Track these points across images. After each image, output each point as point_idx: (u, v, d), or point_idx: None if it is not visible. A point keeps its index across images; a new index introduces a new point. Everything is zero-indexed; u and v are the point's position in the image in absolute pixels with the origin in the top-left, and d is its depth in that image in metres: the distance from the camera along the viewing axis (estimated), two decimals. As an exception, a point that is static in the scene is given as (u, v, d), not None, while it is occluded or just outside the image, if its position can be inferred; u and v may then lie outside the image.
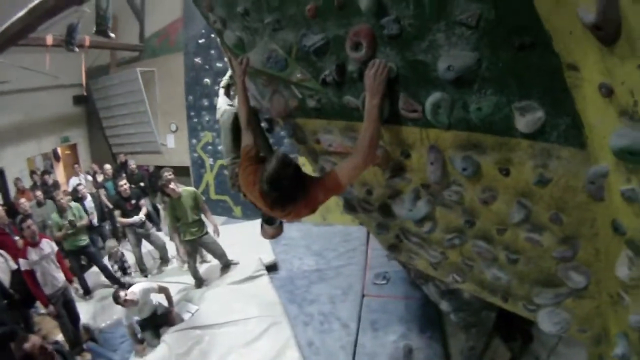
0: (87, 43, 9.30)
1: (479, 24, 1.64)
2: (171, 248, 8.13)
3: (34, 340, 3.53)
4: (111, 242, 7.80)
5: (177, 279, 7.41)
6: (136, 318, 5.84)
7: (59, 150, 13.39)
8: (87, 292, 7.41)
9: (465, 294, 3.72)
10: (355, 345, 5.48)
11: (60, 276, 5.99)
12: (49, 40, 8.78)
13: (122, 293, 5.49)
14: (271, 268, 7.57)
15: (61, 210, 7.29)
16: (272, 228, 3.47)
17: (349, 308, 6.21)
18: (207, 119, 10.81)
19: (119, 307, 6.19)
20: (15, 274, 6.14)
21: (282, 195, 2.32)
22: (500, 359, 4.43)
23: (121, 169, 10.78)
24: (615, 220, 1.65)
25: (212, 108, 10.51)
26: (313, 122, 2.98)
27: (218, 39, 3.57)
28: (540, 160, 1.83)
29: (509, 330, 4.56)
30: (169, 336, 5.77)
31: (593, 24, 1.23)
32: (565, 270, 2.15)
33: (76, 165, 11.33)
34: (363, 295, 6.50)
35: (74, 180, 10.51)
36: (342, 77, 2.39)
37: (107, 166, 10.34)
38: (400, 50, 2.00)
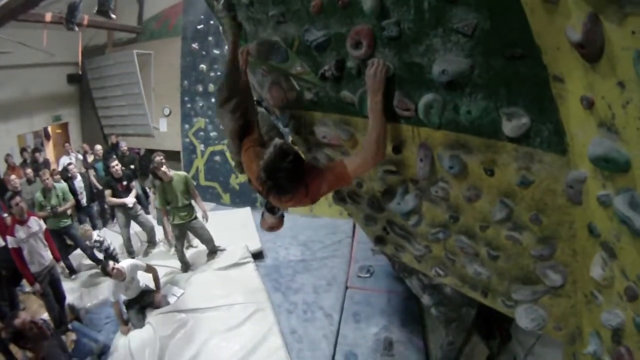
0: (85, 22, 9.25)
1: (475, 33, 1.73)
2: (159, 232, 8.18)
3: (23, 316, 3.53)
4: (86, 226, 7.66)
5: (163, 263, 7.43)
6: (123, 297, 5.89)
7: (50, 129, 13.30)
8: (73, 271, 7.42)
9: (446, 289, 3.82)
10: (337, 335, 5.59)
11: (48, 254, 6.00)
12: (48, 17, 8.73)
13: (111, 263, 5.55)
14: (257, 256, 7.65)
15: (45, 190, 7.29)
16: (273, 218, 3.43)
17: (333, 299, 6.32)
18: (200, 104, 10.82)
19: (105, 287, 6.24)
20: (2, 251, 6.09)
21: (278, 185, 2.29)
22: (478, 356, 4.52)
23: (112, 150, 10.71)
24: (591, 223, 1.75)
25: (207, 94, 10.59)
26: (309, 113, 3.06)
27: (221, 28, 3.63)
28: (524, 163, 1.93)
29: (488, 328, 4.68)
30: (154, 318, 5.83)
31: (578, 43, 1.33)
32: (543, 269, 2.25)
33: (67, 144, 11.22)
34: (347, 287, 6.61)
35: (64, 159, 10.44)
36: (341, 72, 2.48)
37: (98, 147, 10.28)
38: (398, 51, 2.08)
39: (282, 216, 3.46)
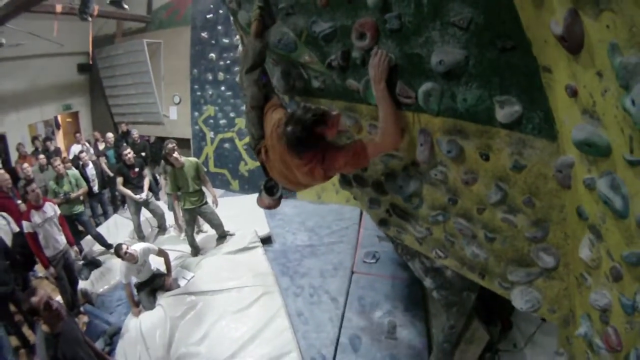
0: (95, 12, 9.35)
1: (470, 27, 1.84)
2: (169, 217, 8.35)
3: (41, 294, 3.60)
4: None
5: (174, 247, 7.56)
6: (134, 279, 6.04)
7: (59, 118, 13.44)
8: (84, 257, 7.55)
9: (448, 273, 3.90)
10: (342, 319, 5.71)
11: (62, 239, 6.13)
12: (59, 8, 8.86)
13: (124, 246, 5.67)
14: (266, 241, 7.77)
15: (58, 177, 7.41)
16: (271, 199, 3.42)
17: (338, 283, 6.45)
18: (210, 92, 10.93)
19: (116, 272, 6.39)
20: (17, 236, 6.26)
21: (297, 140, 2.32)
22: (478, 341, 4.60)
23: (122, 138, 10.88)
24: (580, 206, 1.83)
25: (216, 82, 10.70)
26: (316, 100, 3.17)
27: (232, 18, 3.73)
28: (516, 149, 2.02)
29: (489, 315, 4.78)
30: (165, 300, 5.98)
31: (561, 36, 1.43)
32: (537, 251, 2.34)
33: (78, 134, 11.32)
34: (352, 272, 6.72)
35: (75, 148, 10.58)
36: (346, 62, 2.59)
37: (110, 135, 10.41)
38: (400, 43, 2.19)
39: (280, 197, 3.47)
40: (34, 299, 3.50)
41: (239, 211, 8.67)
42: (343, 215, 8.71)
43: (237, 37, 5.98)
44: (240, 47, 4.55)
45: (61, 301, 5.94)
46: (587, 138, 1.53)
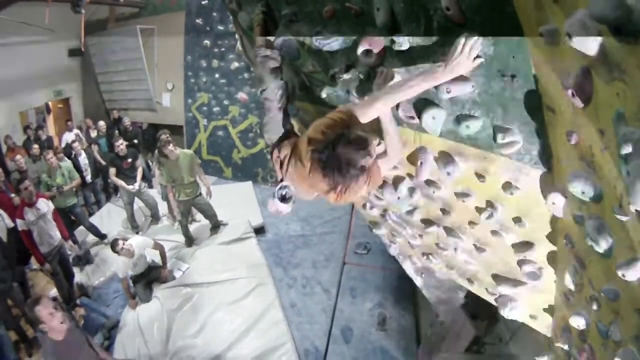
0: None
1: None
2: (162, 206, 8.37)
3: (45, 303, 3.55)
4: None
5: (167, 237, 7.62)
6: (130, 273, 6.08)
7: (50, 104, 13.20)
8: (78, 246, 7.54)
9: (438, 273, 4.03)
10: (334, 309, 5.87)
11: (56, 234, 6.14)
12: (50, -2, 8.76)
13: (120, 241, 5.70)
14: (259, 231, 7.87)
15: (51, 170, 7.36)
16: (282, 205, 3.16)
17: (330, 274, 6.61)
18: (204, 80, 10.86)
19: (112, 264, 6.46)
20: (12, 231, 6.22)
21: (326, 160, 2.04)
22: (465, 335, 4.76)
23: (114, 125, 10.82)
24: (568, 234, 1.92)
25: (210, 70, 10.62)
26: (317, 107, 3.22)
27: (231, 18, 3.71)
28: (513, 175, 2.10)
29: (476, 310, 4.93)
30: (161, 292, 6.09)
31: (569, 89, 1.41)
32: (524, 266, 2.45)
33: (69, 123, 11.14)
34: (344, 263, 6.88)
35: (67, 136, 10.43)
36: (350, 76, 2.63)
37: (102, 123, 10.38)
38: (406, 63, 2.22)
39: (293, 202, 3.23)
40: (37, 308, 3.47)
41: (232, 199, 8.75)
42: (335, 205, 8.68)
43: (237, 36, 5.91)
44: (239, 45, 4.50)
45: (57, 295, 6.08)
46: (581, 185, 1.59)
